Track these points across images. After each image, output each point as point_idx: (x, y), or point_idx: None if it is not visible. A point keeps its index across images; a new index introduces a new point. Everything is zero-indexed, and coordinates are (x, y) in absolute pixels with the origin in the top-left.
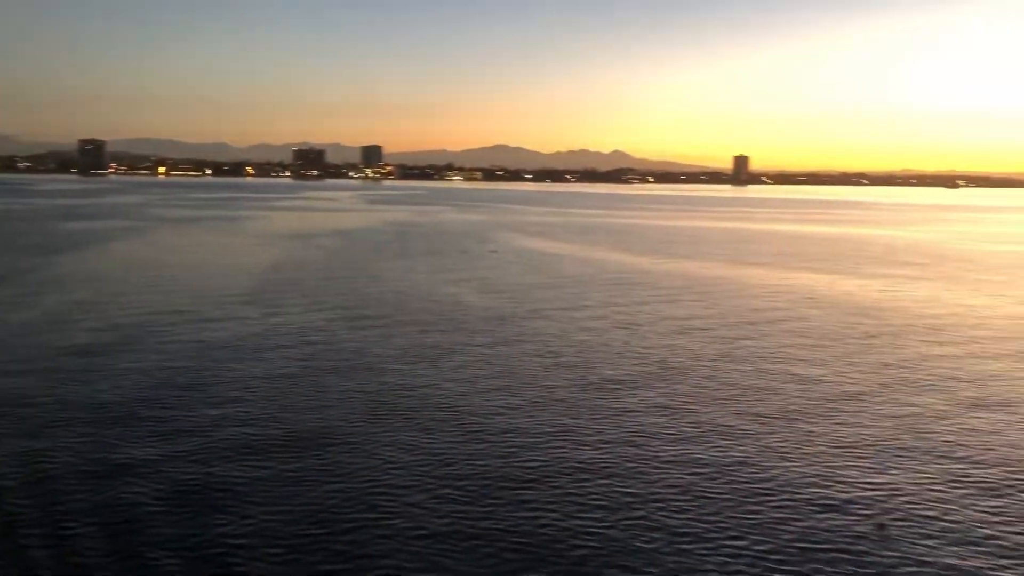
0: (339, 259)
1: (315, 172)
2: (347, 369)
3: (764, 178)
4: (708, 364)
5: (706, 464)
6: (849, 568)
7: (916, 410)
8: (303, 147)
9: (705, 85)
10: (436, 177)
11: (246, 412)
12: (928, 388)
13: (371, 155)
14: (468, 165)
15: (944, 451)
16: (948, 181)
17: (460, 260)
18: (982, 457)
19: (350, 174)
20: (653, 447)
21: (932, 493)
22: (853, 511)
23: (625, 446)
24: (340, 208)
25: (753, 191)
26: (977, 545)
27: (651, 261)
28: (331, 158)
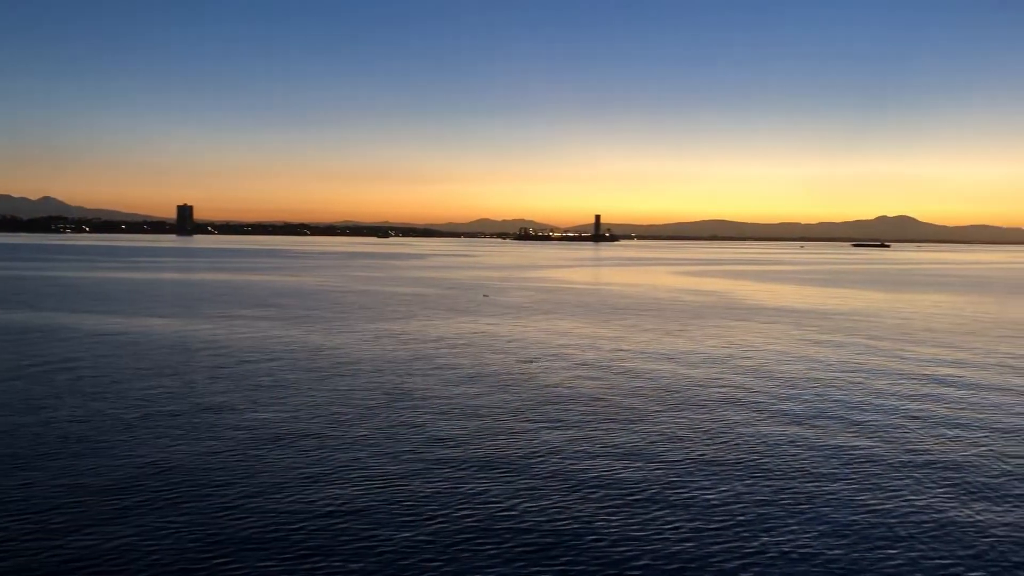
0: None
1: None
2: None
3: (210, 228)
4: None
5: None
6: None
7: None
8: None
9: (145, 131)
10: None
11: None
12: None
13: None
14: None
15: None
16: (381, 231)
17: None
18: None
19: None
20: None
21: None
22: None
23: None
24: None
25: (199, 241)
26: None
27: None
28: None
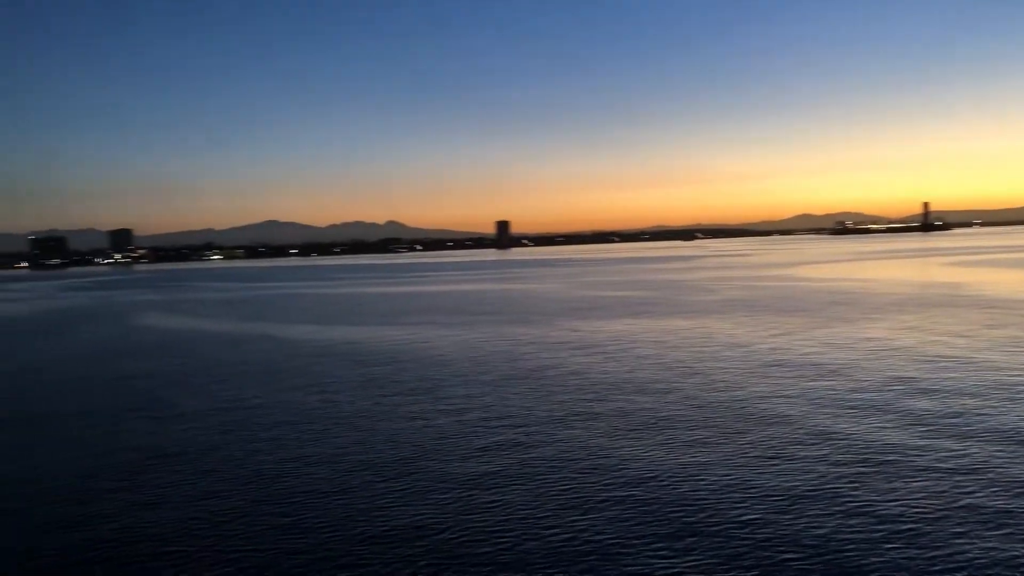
0: None
1: (57, 260)
2: None
3: (525, 240)
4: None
5: None
6: None
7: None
8: (42, 234)
9: (468, 152)
10: (194, 258)
11: None
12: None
13: (120, 239)
14: (233, 243)
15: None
16: (687, 235)
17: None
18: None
19: (97, 260)
20: None
21: None
22: None
23: None
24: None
25: (516, 253)
26: None
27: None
28: (78, 244)
